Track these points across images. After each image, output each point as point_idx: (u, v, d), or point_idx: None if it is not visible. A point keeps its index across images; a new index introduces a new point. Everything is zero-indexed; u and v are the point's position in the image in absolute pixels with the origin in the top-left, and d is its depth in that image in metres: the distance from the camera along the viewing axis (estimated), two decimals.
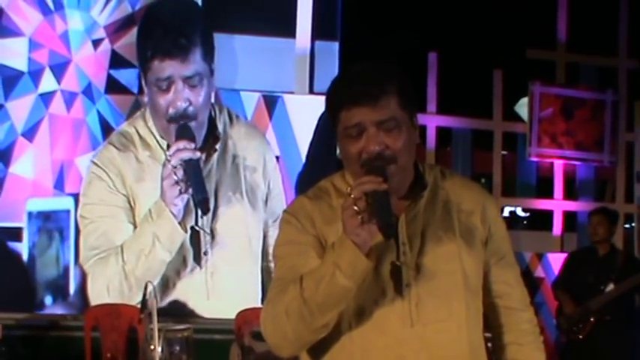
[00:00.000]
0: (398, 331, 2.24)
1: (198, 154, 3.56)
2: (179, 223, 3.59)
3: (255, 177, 3.93)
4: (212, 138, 3.79)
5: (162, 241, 3.58)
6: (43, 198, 4.77)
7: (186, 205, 3.66)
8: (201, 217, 3.76)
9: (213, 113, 3.86)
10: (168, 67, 3.62)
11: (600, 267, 6.72)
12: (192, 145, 3.54)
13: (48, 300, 3.77)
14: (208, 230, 3.77)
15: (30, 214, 3.95)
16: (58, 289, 3.81)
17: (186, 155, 3.50)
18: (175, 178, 3.52)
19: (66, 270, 3.83)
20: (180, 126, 3.60)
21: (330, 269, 2.12)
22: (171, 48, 3.61)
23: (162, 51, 3.63)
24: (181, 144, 3.53)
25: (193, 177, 3.50)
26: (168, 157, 3.54)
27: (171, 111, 3.62)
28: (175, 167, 3.52)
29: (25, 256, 4.95)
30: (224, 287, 3.78)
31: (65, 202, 3.81)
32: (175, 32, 3.65)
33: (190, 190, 3.52)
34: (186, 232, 3.65)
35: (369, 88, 2.23)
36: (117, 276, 3.64)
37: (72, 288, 3.82)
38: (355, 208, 2.09)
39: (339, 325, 2.23)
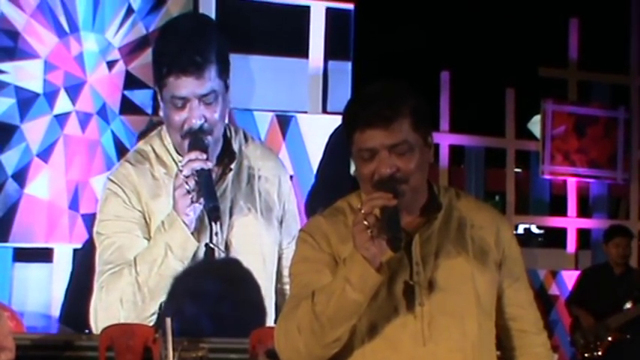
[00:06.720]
0: (410, 350, 2.25)
1: (209, 164, 3.56)
2: (192, 234, 3.60)
3: (271, 197, 3.93)
4: (227, 157, 3.80)
5: (175, 251, 3.58)
6: None
7: (201, 222, 3.66)
8: (216, 235, 3.77)
9: (228, 133, 3.87)
10: (183, 85, 3.63)
11: (617, 285, 6.70)
12: (204, 156, 3.54)
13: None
14: (223, 248, 3.77)
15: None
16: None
17: (198, 165, 3.51)
18: (187, 187, 3.52)
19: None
20: (193, 138, 3.62)
21: (341, 284, 2.14)
22: (186, 65, 3.62)
23: (177, 68, 3.63)
24: (193, 154, 3.54)
25: (204, 186, 3.51)
26: (180, 168, 3.55)
27: (186, 127, 3.64)
28: (187, 177, 3.53)
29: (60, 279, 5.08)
30: None
31: None
32: (190, 49, 3.66)
33: (202, 200, 3.53)
34: (198, 242, 3.66)
35: (382, 110, 2.24)
36: (130, 287, 3.63)
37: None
38: (365, 223, 2.11)
39: (352, 342, 2.24)
